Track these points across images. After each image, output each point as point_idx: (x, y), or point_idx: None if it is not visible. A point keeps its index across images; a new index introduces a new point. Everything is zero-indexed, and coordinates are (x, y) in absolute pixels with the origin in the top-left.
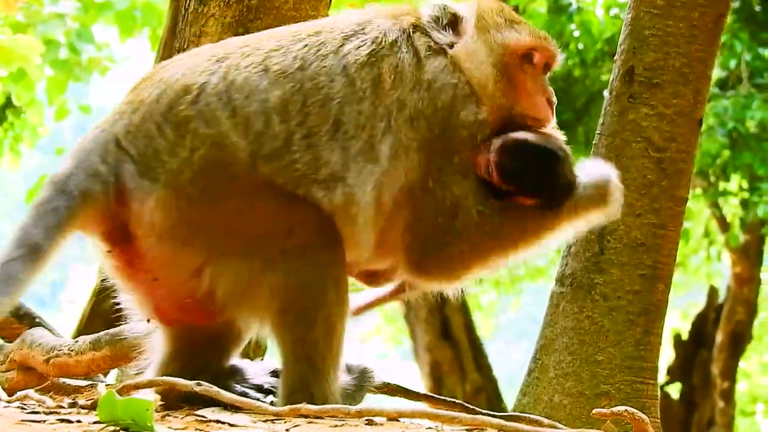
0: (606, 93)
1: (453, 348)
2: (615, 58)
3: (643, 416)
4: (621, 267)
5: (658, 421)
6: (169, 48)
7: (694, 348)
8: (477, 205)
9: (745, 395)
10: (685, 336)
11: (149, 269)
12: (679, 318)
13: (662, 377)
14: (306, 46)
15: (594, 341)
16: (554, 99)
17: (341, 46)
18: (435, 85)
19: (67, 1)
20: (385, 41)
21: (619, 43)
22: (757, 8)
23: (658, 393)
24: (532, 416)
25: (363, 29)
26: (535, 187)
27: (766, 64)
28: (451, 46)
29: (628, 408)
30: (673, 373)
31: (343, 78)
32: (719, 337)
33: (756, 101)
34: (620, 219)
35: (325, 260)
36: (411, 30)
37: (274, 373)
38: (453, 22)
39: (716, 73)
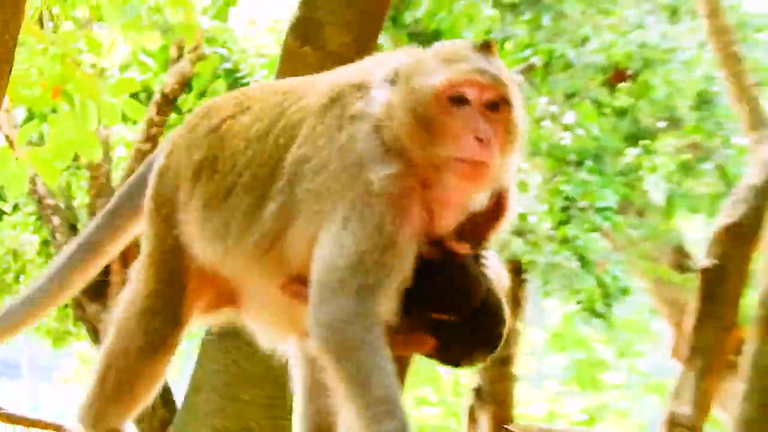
0: None
1: None
2: None
3: None
4: None
5: None
6: None
7: None
8: (369, 273)
9: None
10: None
11: None
12: None
13: None
14: (280, 108)
15: (238, 383)
16: (485, 135)
17: (292, 109)
18: (347, 146)
19: None
20: (317, 105)
21: None
22: None
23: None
24: None
25: (308, 93)
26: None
27: None
28: (383, 104)
29: None
30: None
31: (261, 142)
32: None
33: None
34: None
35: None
36: (352, 92)
37: None
38: (393, 79)
39: None
